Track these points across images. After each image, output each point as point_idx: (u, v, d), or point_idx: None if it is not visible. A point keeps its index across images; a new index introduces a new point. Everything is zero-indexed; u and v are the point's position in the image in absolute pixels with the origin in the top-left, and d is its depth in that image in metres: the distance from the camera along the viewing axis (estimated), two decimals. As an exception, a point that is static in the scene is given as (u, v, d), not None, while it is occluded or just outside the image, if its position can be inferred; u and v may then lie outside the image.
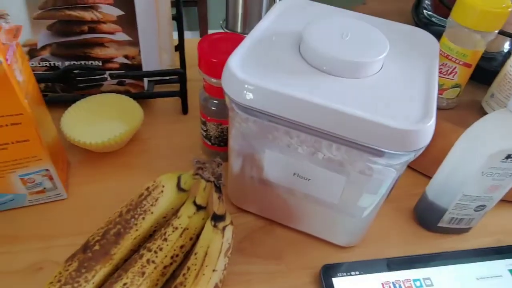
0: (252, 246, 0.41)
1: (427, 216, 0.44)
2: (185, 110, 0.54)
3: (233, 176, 0.41)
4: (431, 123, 0.29)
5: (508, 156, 0.35)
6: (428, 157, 0.48)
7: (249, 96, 0.31)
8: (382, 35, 0.35)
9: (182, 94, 0.53)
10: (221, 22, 0.52)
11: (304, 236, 0.42)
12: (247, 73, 0.31)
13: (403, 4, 0.62)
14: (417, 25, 0.55)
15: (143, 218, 0.35)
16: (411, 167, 0.51)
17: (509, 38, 0.50)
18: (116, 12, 0.47)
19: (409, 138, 0.29)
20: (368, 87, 0.32)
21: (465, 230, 0.44)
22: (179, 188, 0.35)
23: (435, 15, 0.56)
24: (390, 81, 0.33)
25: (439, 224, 0.43)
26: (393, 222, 0.45)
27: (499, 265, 0.41)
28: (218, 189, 0.33)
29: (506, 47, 0.50)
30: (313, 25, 0.35)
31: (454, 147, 0.38)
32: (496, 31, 0.40)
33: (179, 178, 0.35)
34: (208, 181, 0.33)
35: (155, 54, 0.53)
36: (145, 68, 0.52)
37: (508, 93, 0.42)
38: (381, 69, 0.34)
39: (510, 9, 0.39)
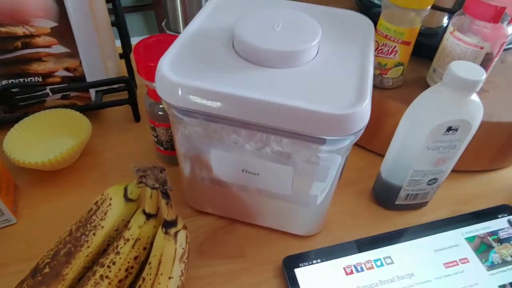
0: (214, 248, 0.41)
1: (384, 196, 0.44)
2: (137, 117, 0.53)
3: (185, 179, 0.40)
4: (365, 105, 0.29)
5: (449, 129, 0.36)
6: (381, 137, 0.48)
7: (185, 98, 0.31)
8: (314, 22, 0.35)
9: (132, 101, 0.52)
10: (163, 24, 0.51)
11: (265, 230, 0.42)
12: (180, 75, 0.31)
13: (347, -11, 0.62)
14: (360, 8, 0.56)
15: (94, 234, 0.34)
16: (366, 148, 0.51)
17: (447, 13, 0.51)
18: (49, 24, 0.45)
19: (345, 122, 0.29)
20: (303, 75, 0.32)
21: (423, 204, 0.45)
22: (127, 199, 0.34)
23: (376, -4, 0.56)
24: (325, 68, 0.33)
25: (397, 202, 0.44)
26: (353, 205, 0.46)
27: (456, 235, 0.42)
28: (165, 195, 0.32)
29: (445, 21, 0.51)
30: (244, 18, 0.34)
31: (399, 126, 0.39)
32: (429, 7, 0.41)
33: (125, 189, 0.34)
34: (153, 188, 0.32)
35: (99, 63, 0.51)
36: (89, 79, 0.50)
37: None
38: (316, 56, 0.34)
39: (438, -15, 0.39)
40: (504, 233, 0.42)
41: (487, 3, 0.38)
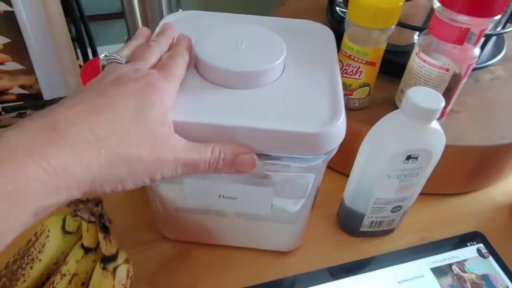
0: (166, 278, 0.39)
1: (348, 222, 0.43)
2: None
3: (157, 210, 0.38)
4: (341, 120, 0.29)
5: (409, 157, 0.34)
6: (348, 159, 0.46)
7: None
8: (279, 38, 0.34)
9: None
10: (125, 38, 0.50)
11: (223, 257, 0.40)
12: None
13: (322, 2, 0.60)
14: (330, 23, 0.54)
15: (31, 267, 0.32)
16: (334, 169, 0.49)
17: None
18: (1, 40, 0.43)
19: (322, 140, 0.28)
20: (272, 95, 0.31)
21: (389, 231, 0.43)
22: (65, 231, 0.32)
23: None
24: (293, 85, 0.32)
25: (361, 229, 0.42)
26: (319, 230, 0.44)
27: (421, 265, 0.40)
28: (103, 228, 0.30)
29: (416, 38, 0.50)
30: (205, 37, 0.33)
31: (359, 153, 0.37)
32: (393, 26, 0.39)
33: (64, 220, 0.32)
34: (89, 222, 0.30)
35: (59, 79, 0.49)
36: (49, 95, 0.48)
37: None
38: (282, 73, 0.33)
39: (401, 3, 0.37)
40: (471, 263, 0.40)
41: (451, 24, 0.36)
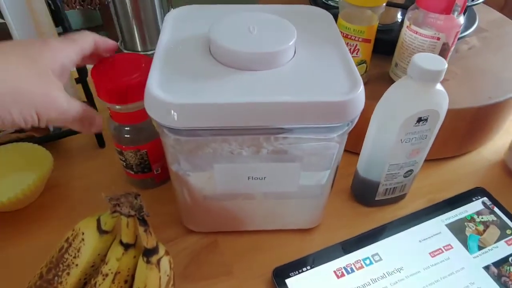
0: (199, 269, 0.39)
1: (363, 193, 0.45)
2: (101, 143, 0.51)
3: (182, 201, 0.38)
4: (361, 89, 0.31)
5: (419, 119, 0.36)
6: (353, 135, 0.49)
7: (180, 117, 0.29)
8: (287, 22, 0.35)
9: (94, 126, 0.49)
10: (118, 43, 0.49)
11: (250, 242, 0.41)
12: (173, 94, 0.29)
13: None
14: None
15: (68, 274, 0.32)
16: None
17: (400, 8, 0.52)
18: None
19: (347, 108, 0.30)
20: (290, 74, 0.32)
21: (401, 197, 0.45)
22: (101, 231, 0.32)
23: (331, -2, 0.57)
24: (307, 64, 0.33)
25: (377, 198, 0.44)
26: (335, 206, 0.45)
27: (436, 223, 0.42)
28: (142, 221, 0.30)
29: (399, 17, 0.53)
30: (218, 24, 0.34)
31: (370, 123, 0.39)
32: (384, 4, 0.42)
33: (98, 221, 0.32)
34: (129, 216, 0.30)
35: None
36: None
37: (408, 59, 0.44)
38: (294, 54, 0.34)
39: (391, -18, 0.40)
40: (481, 214, 0.43)
41: (438, -4, 0.39)
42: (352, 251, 0.39)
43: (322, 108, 0.30)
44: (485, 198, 0.45)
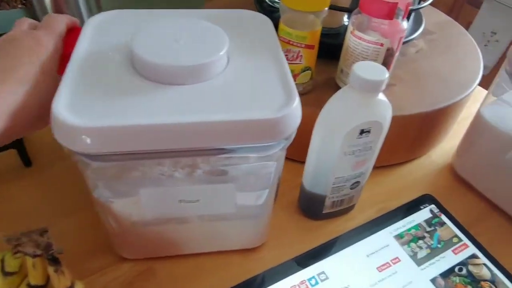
0: (133, 300, 0.35)
1: (310, 207, 0.43)
2: (26, 162, 0.46)
3: (110, 229, 0.34)
4: (296, 103, 0.29)
5: (362, 131, 0.34)
6: (300, 144, 0.47)
7: (94, 141, 0.26)
8: (219, 29, 0.32)
9: (18, 144, 0.44)
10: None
11: (191, 266, 0.38)
12: (82, 115, 0.26)
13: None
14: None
15: (-31, 322, 0.27)
16: (287, 157, 0.49)
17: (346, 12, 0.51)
18: None
19: (280, 124, 0.28)
20: (220, 88, 0.29)
21: (350, 208, 0.44)
22: (5, 273, 0.28)
23: (277, 0, 0.55)
24: (240, 76, 0.31)
25: (324, 211, 0.42)
26: (282, 220, 0.43)
27: (384, 235, 0.41)
28: (52, 260, 0.26)
29: (346, 20, 0.51)
30: (141, 33, 0.30)
31: (313, 134, 0.37)
32: (326, 8, 0.40)
33: (2, 261, 0.28)
34: (34, 256, 0.26)
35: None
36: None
37: (354, 65, 0.42)
38: (227, 65, 0.31)
39: (331, -15, 0.38)
40: (428, 223, 0.42)
41: (380, 1, 0.38)
42: (297, 271, 0.37)
43: (253, 126, 0.27)
44: (432, 206, 0.44)
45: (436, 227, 0.41)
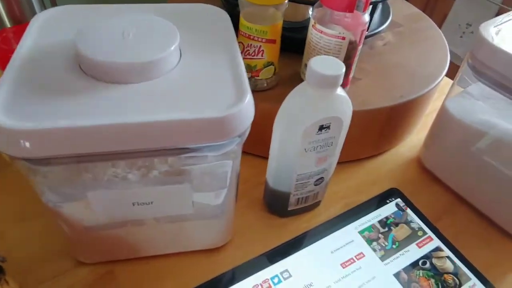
0: (90, 306, 0.34)
1: (275, 204, 0.42)
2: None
3: (65, 232, 0.33)
4: (248, 100, 0.28)
5: (321, 127, 0.34)
6: (265, 141, 0.46)
7: (37, 146, 0.25)
8: (171, 25, 0.31)
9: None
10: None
11: (153, 269, 0.37)
12: (22, 118, 0.24)
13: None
14: (226, 7, 0.53)
15: None
16: (253, 154, 0.48)
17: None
18: None
19: (232, 122, 0.27)
20: (170, 85, 0.28)
21: (316, 204, 0.43)
22: None
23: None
24: (192, 73, 0.30)
25: (289, 208, 0.41)
26: (246, 218, 0.42)
27: (350, 230, 0.41)
28: (-6, 270, 0.25)
29: (310, 13, 0.51)
30: (86, 30, 0.29)
31: (273, 131, 0.36)
32: (286, 1, 0.39)
33: None
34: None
35: None
36: None
37: (318, 60, 0.42)
38: (179, 61, 0.30)
39: (290, -23, 0.37)
40: (393, 217, 0.42)
41: (339, -7, 0.37)
42: (260, 270, 0.36)
43: (202, 125, 0.26)
44: (398, 200, 0.44)
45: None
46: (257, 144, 0.47)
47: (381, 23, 0.53)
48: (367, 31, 0.42)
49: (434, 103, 0.53)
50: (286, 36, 0.46)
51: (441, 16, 1.49)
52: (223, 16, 0.36)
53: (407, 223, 0.42)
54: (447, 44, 0.55)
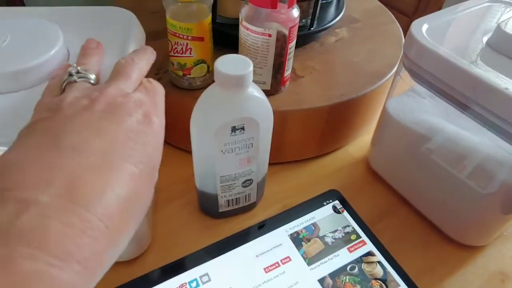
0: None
1: (206, 206, 0.41)
2: None
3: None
4: None
5: (234, 128, 0.33)
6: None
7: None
8: (55, 29, 0.30)
9: None
10: None
11: None
12: None
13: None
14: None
15: None
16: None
17: None
18: None
19: None
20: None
21: (251, 206, 0.42)
22: None
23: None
24: None
25: (221, 210, 0.41)
26: (180, 220, 0.42)
27: (280, 233, 0.40)
28: None
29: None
30: None
31: (190, 133, 0.35)
32: (211, -3, 0.38)
33: None
34: None
35: None
36: None
37: (247, 57, 0.40)
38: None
39: (210, -27, 0.36)
40: (326, 221, 0.41)
41: (261, -11, 0.36)
42: (178, 274, 0.36)
43: None
44: (336, 202, 0.43)
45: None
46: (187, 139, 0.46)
47: (333, 18, 0.52)
48: (301, 26, 0.41)
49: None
50: (226, 33, 0.46)
51: (436, 9, 1.45)
52: (129, 18, 0.35)
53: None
54: (403, 40, 0.53)
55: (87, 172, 0.19)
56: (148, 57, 0.28)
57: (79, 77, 0.24)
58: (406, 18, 1.34)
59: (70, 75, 0.24)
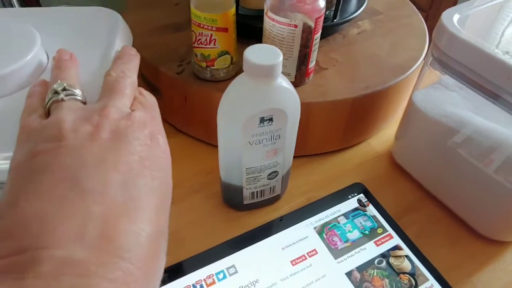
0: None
1: (230, 198, 0.41)
2: None
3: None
4: None
5: (262, 119, 0.33)
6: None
7: None
8: (32, 31, 0.29)
9: None
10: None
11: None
12: None
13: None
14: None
15: None
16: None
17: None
18: None
19: None
20: None
21: (275, 198, 0.42)
22: None
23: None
24: None
25: (245, 202, 0.40)
26: (204, 212, 0.42)
27: (306, 226, 0.39)
28: None
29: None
30: None
31: (218, 124, 0.35)
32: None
33: None
34: None
35: None
36: None
37: (276, 49, 0.40)
38: (44, 71, 0.28)
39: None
40: (353, 214, 0.40)
41: (288, -21, 0.35)
42: (205, 265, 0.36)
43: None
44: (361, 195, 0.42)
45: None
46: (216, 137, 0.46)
47: (354, 10, 0.51)
48: (324, 18, 0.40)
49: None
50: (249, 25, 0.45)
51: (452, 3, 1.43)
52: (116, 19, 0.35)
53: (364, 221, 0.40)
54: (427, 32, 0.52)
55: (116, 217, 0.18)
56: (135, 65, 0.27)
57: (66, 95, 0.22)
58: (421, 12, 1.32)
59: (56, 92, 0.22)
